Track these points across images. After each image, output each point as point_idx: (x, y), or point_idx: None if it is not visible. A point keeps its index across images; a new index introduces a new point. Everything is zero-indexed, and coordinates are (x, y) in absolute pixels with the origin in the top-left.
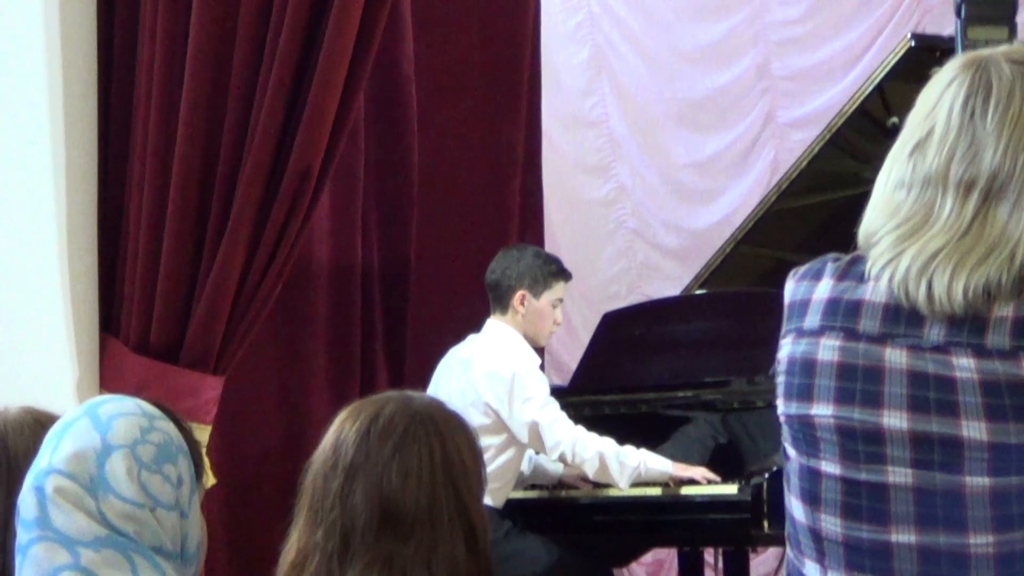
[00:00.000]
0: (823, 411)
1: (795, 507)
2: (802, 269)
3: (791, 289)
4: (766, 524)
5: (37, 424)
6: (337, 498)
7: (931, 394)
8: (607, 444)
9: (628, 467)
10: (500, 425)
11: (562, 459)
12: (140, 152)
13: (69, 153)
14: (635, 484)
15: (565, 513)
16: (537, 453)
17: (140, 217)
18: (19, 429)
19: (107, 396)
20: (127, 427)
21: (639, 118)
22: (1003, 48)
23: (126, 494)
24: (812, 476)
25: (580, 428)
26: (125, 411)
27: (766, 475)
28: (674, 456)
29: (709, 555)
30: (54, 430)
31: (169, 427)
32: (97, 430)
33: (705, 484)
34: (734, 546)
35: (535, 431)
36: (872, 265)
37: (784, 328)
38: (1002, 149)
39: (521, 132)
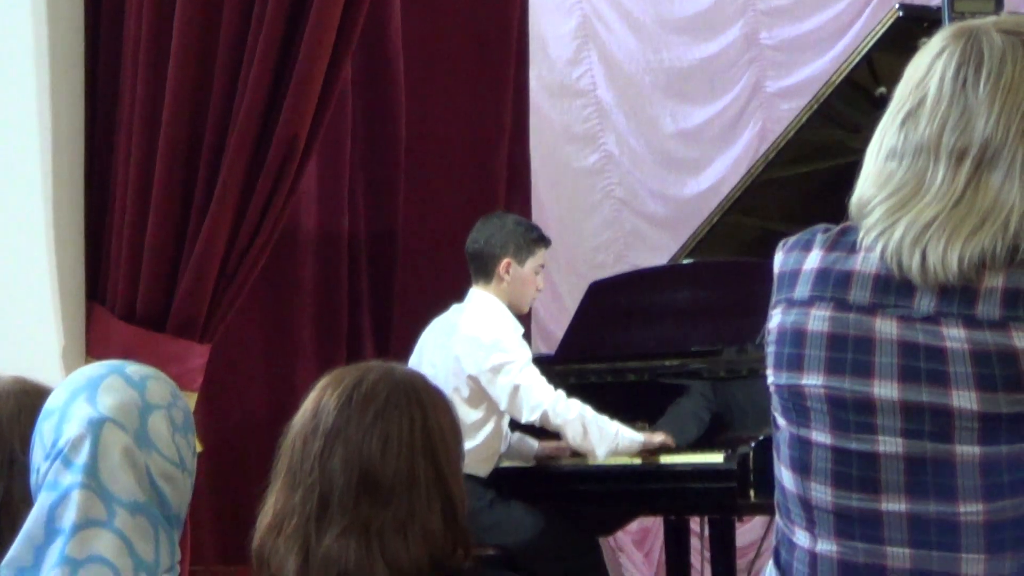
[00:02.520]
0: (813, 381)
1: (785, 476)
2: (792, 240)
3: (780, 259)
4: (752, 493)
5: (23, 393)
6: (316, 462)
7: (921, 364)
8: (587, 409)
9: (607, 434)
10: (483, 394)
11: (543, 420)
12: (127, 120)
13: (55, 121)
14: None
15: (550, 482)
16: (513, 427)
17: (127, 185)
18: (5, 397)
19: (121, 360)
20: (160, 389)
21: (627, 87)
22: (992, 18)
23: (167, 452)
24: (802, 445)
25: (560, 392)
26: (152, 374)
27: (752, 444)
28: (662, 425)
29: (695, 524)
30: (76, 384)
31: (185, 399)
32: (133, 388)
33: (689, 452)
34: (720, 515)
35: (515, 394)
36: (865, 235)
37: (774, 298)
38: (994, 118)
39: (508, 101)
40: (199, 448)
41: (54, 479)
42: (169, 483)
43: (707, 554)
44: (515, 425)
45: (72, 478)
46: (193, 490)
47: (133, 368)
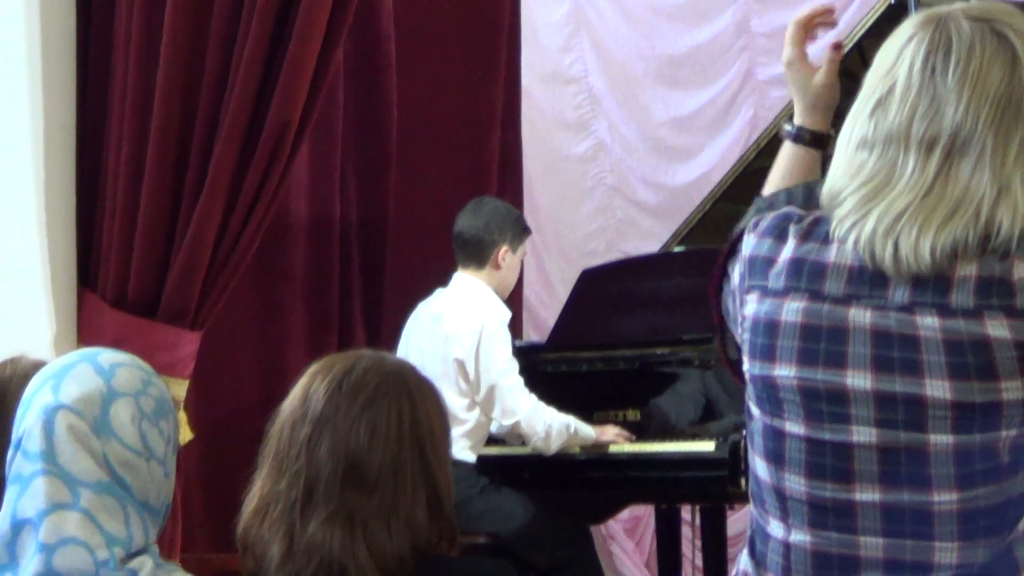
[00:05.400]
0: (785, 372)
1: (759, 466)
2: (764, 224)
3: (752, 244)
4: (743, 482)
5: None
6: (303, 448)
7: (895, 353)
8: (552, 416)
9: (566, 434)
10: (469, 378)
11: (515, 427)
12: (119, 105)
13: (47, 107)
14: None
15: (541, 469)
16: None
17: (118, 171)
18: (22, 382)
19: (98, 348)
20: (130, 377)
21: (618, 75)
22: (960, 5)
23: (128, 440)
24: (776, 436)
25: (533, 397)
26: (126, 362)
27: (743, 432)
28: (652, 413)
29: (686, 512)
30: (48, 372)
31: (163, 385)
32: (101, 376)
33: (680, 441)
34: (711, 503)
35: (491, 393)
36: (837, 226)
37: (747, 282)
38: (963, 106)
39: (500, 88)
40: (189, 435)
41: (17, 472)
42: (130, 471)
43: (698, 543)
44: None
45: (32, 467)
46: (172, 480)
47: (107, 356)
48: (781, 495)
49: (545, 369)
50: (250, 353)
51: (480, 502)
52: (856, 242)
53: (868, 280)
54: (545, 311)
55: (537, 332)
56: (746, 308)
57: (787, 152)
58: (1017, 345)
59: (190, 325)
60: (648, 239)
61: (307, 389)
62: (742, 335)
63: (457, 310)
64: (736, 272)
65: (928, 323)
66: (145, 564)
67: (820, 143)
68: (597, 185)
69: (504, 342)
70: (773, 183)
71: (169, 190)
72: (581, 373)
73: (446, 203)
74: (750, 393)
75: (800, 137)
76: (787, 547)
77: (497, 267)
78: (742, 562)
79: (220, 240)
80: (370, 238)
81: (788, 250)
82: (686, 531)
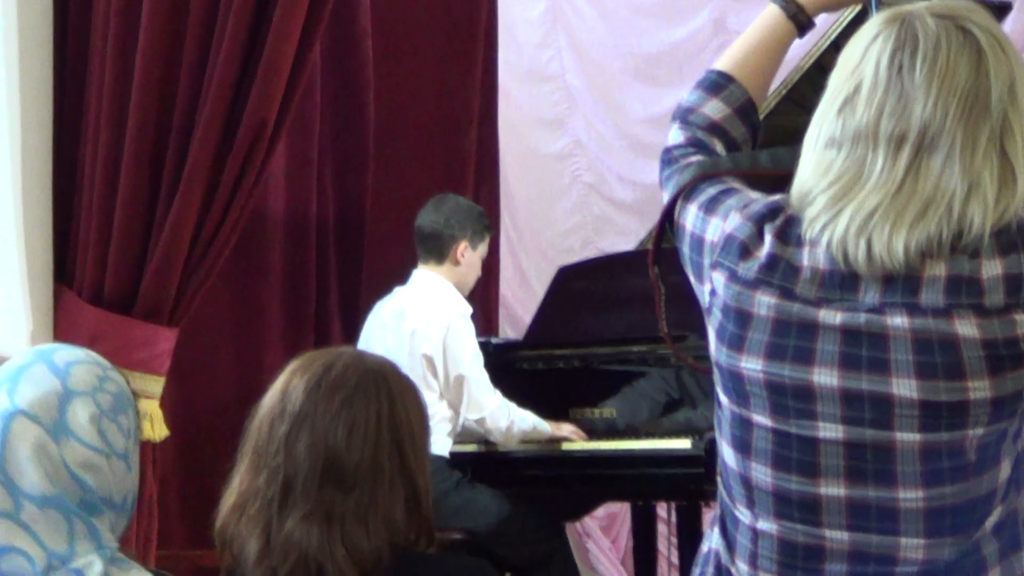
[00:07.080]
0: (752, 365)
1: (727, 453)
2: (753, 208)
3: (736, 223)
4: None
5: None
6: (282, 445)
7: (863, 352)
8: (514, 412)
9: (526, 432)
10: (436, 373)
11: (479, 422)
12: (95, 101)
13: (24, 102)
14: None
15: (516, 466)
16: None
17: (95, 167)
18: None
19: (55, 344)
20: (86, 374)
21: (595, 72)
22: (924, 3)
23: (88, 440)
24: (744, 424)
25: (498, 393)
26: (81, 359)
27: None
28: (628, 411)
29: (662, 509)
30: (4, 374)
31: (120, 378)
32: (56, 376)
33: (657, 438)
34: (687, 500)
35: (458, 385)
36: (808, 227)
37: (716, 254)
38: (931, 102)
39: (477, 85)
40: (165, 432)
41: None
42: (91, 471)
43: (674, 540)
44: None
45: None
46: (136, 474)
47: (62, 353)
48: (747, 484)
49: (521, 366)
50: (227, 350)
51: (454, 497)
52: (829, 244)
53: (839, 283)
54: (521, 308)
55: (513, 329)
56: (714, 283)
57: (765, 21)
58: (985, 344)
59: (167, 322)
60: (624, 236)
61: (286, 386)
62: (711, 308)
63: (420, 306)
64: (709, 224)
65: (898, 323)
66: (93, 564)
67: (798, 21)
68: (574, 182)
69: (470, 335)
70: (738, 48)
71: (146, 187)
72: (558, 370)
73: (423, 201)
74: (718, 379)
75: (786, 5)
76: (755, 532)
77: (456, 263)
78: (714, 540)
79: (197, 237)
80: (347, 235)
81: (765, 245)
82: (662, 528)
